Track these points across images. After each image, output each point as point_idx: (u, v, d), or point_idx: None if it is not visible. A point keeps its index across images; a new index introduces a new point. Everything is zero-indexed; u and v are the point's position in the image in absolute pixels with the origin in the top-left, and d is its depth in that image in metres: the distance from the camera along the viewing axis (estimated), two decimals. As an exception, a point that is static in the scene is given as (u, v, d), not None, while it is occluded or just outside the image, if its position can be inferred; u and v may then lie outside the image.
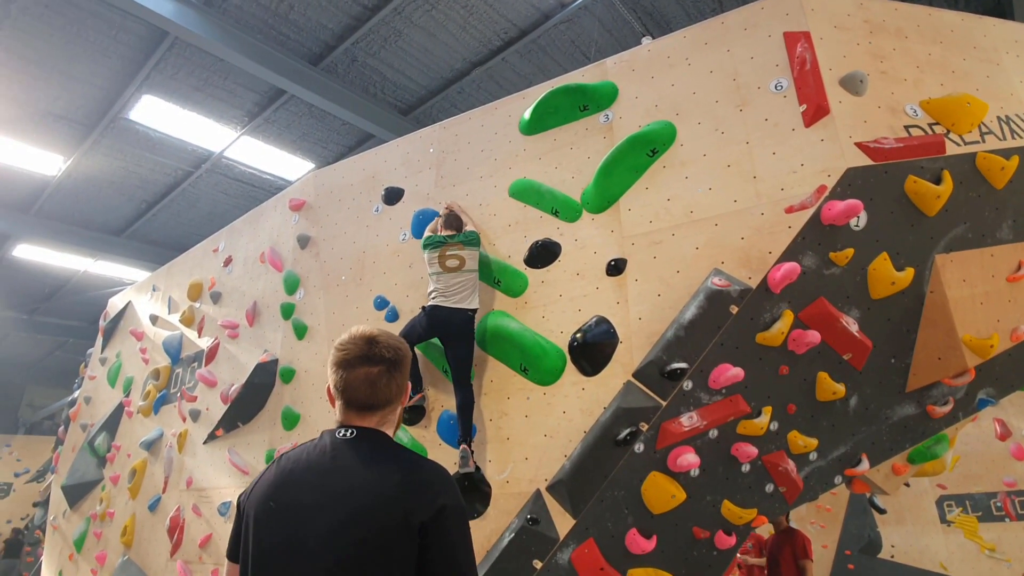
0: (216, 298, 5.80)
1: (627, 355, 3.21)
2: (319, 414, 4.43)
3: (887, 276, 2.97)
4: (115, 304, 8.02)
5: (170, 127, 8.35)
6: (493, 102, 4.31)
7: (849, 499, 7.25)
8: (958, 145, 3.11)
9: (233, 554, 1.50)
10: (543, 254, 3.68)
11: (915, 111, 3.14)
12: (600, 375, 3.27)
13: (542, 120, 3.92)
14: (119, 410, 6.87)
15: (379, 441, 1.47)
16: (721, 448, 3.00)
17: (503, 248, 3.86)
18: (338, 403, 1.51)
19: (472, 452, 3.44)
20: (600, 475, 3.06)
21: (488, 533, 3.35)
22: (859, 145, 2.95)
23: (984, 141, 3.16)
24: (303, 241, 4.96)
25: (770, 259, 2.96)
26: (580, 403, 3.29)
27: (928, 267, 3.07)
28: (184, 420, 5.62)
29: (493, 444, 3.56)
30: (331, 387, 1.51)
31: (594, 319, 3.38)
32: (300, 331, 4.75)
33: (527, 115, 3.98)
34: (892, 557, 7.00)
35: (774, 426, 3.03)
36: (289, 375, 4.74)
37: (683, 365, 3.00)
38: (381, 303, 4.26)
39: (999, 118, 3.27)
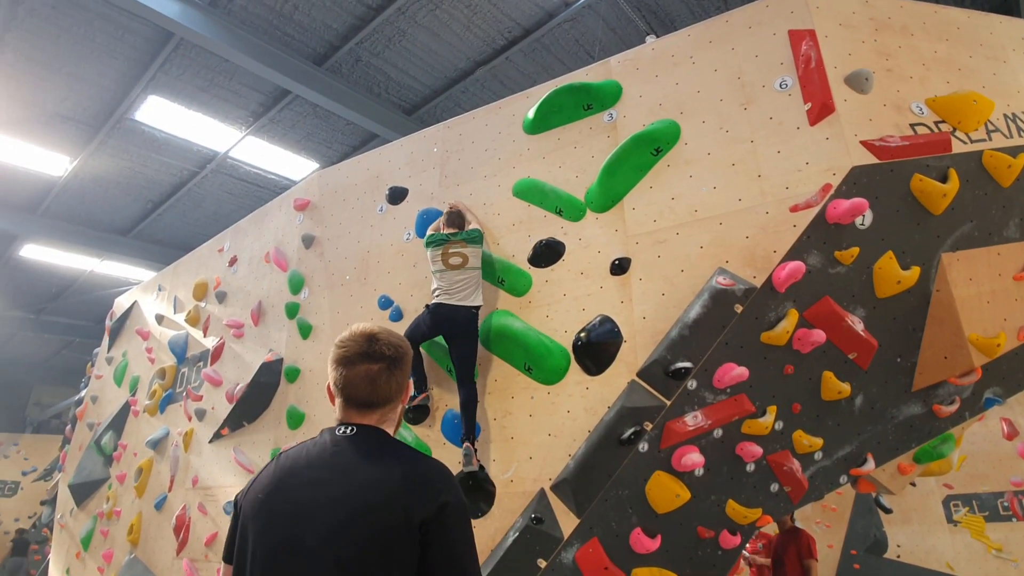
0: (221, 298, 5.82)
1: (631, 354, 3.20)
2: (324, 413, 4.44)
3: (893, 275, 2.96)
4: (121, 304, 8.06)
5: (175, 127, 8.38)
6: (497, 101, 4.31)
7: (855, 499, 7.20)
8: (964, 143, 3.08)
9: (229, 556, 1.44)
10: (547, 253, 3.68)
11: (921, 109, 3.12)
12: (604, 374, 3.26)
13: (546, 119, 3.92)
14: (125, 409, 6.90)
15: (379, 439, 1.46)
16: (726, 448, 3.00)
17: (507, 247, 3.86)
18: (338, 400, 1.49)
19: (476, 450, 3.44)
20: (604, 474, 3.05)
21: (492, 532, 3.35)
22: (864, 143, 2.93)
23: (991, 139, 3.14)
24: (308, 241, 4.97)
25: (775, 258, 2.94)
26: (584, 402, 3.29)
27: (934, 266, 3.05)
28: (190, 419, 5.65)
29: (497, 443, 3.56)
30: (331, 384, 1.50)
31: (598, 318, 3.37)
32: (305, 330, 4.77)
33: (531, 114, 3.98)
34: (898, 557, 6.96)
35: (779, 425, 3.02)
36: (294, 374, 4.76)
37: (687, 364, 2.99)
38: (385, 302, 4.27)
39: (1006, 116, 3.25)
